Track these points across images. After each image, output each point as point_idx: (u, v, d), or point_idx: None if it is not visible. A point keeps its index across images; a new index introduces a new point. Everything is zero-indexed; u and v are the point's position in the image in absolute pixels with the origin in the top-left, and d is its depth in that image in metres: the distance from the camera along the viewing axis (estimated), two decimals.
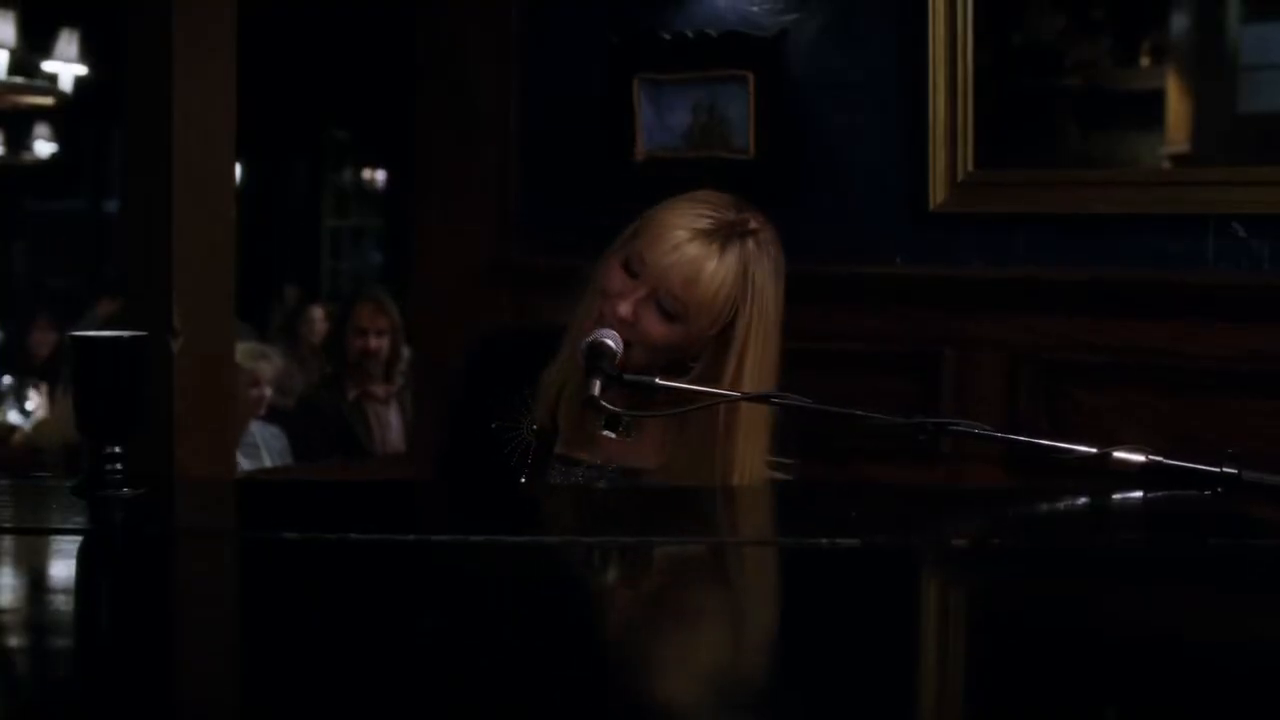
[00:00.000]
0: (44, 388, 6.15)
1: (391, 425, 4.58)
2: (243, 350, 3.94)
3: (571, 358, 1.97)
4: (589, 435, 1.98)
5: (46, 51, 6.95)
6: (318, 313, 6.97)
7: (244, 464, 4.15)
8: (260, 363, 4.40)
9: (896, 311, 3.12)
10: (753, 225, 1.98)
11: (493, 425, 1.99)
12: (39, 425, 5.78)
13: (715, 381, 1.93)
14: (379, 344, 4.57)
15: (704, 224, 1.94)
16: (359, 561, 1.42)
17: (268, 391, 4.45)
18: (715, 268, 1.93)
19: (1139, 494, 1.73)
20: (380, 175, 12.28)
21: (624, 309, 1.92)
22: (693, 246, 1.93)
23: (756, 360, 1.95)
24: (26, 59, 6.85)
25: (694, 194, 2.00)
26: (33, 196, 11.64)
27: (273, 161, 11.09)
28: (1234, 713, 1.05)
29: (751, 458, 1.96)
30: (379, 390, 4.62)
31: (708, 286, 1.92)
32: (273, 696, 1.05)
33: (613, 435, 1.94)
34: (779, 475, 1.99)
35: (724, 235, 1.95)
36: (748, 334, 1.95)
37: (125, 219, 3.08)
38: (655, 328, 1.93)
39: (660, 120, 3.36)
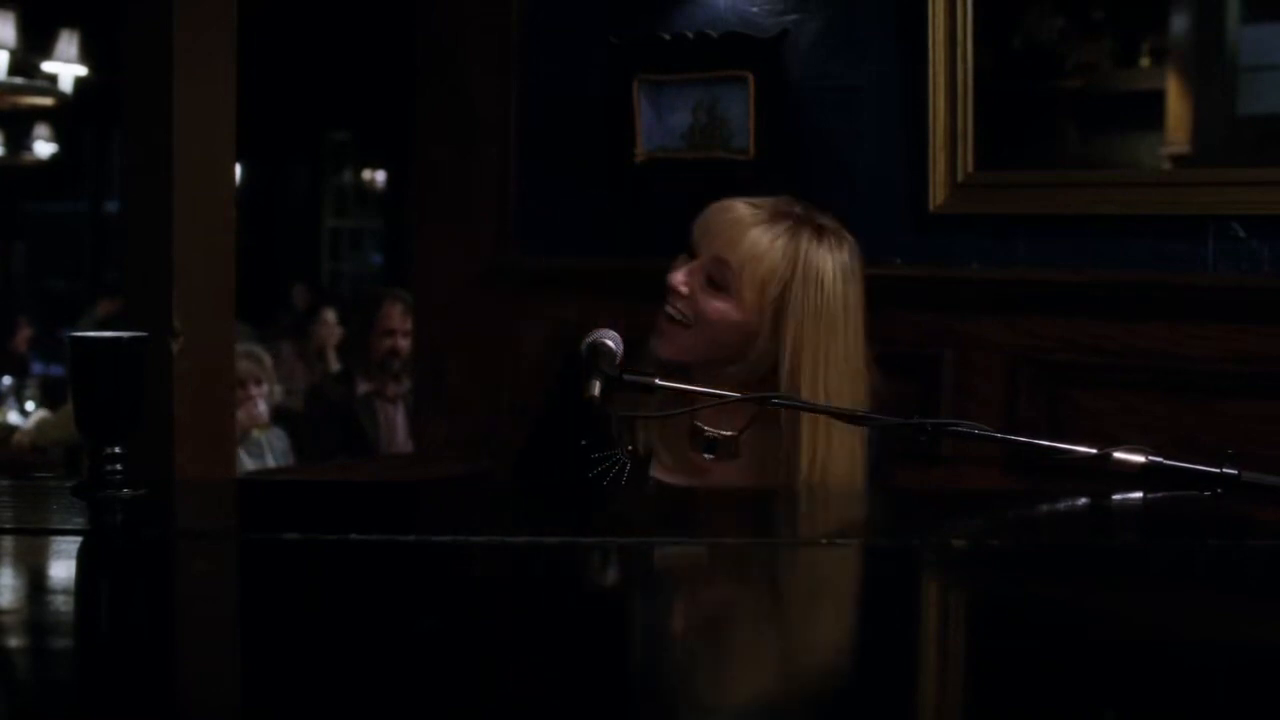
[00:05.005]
0: None
1: (398, 424, 4.58)
2: None
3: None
4: (689, 461, 2.00)
5: (46, 52, 6.95)
6: (331, 315, 6.99)
7: (248, 464, 4.15)
8: (246, 363, 4.38)
9: (896, 313, 3.12)
10: (820, 222, 1.97)
11: (582, 442, 1.98)
12: (41, 424, 5.78)
13: (775, 378, 1.90)
14: (406, 344, 4.56)
15: (758, 204, 1.95)
16: (359, 562, 1.42)
17: (253, 391, 4.43)
18: (760, 234, 1.91)
19: (1139, 494, 1.73)
20: (380, 176, 12.29)
21: (678, 277, 1.93)
22: (742, 214, 1.93)
23: (815, 357, 1.91)
24: (26, 59, 6.85)
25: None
26: (33, 197, 11.64)
27: (273, 163, 11.10)
28: (1233, 714, 1.05)
29: (826, 454, 1.92)
30: (392, 388, 4.62)
31: (751, 250, 1.90)
32: (273, 697, 1.05)
33: (711, 457, 1.97)
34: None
35: (778, 216, 1.94)
36: (801, 324, 1.91)
37: (125, 219, 3.07)
38: (707, 302, 1.92)
39: (660, 120, 3.35)
